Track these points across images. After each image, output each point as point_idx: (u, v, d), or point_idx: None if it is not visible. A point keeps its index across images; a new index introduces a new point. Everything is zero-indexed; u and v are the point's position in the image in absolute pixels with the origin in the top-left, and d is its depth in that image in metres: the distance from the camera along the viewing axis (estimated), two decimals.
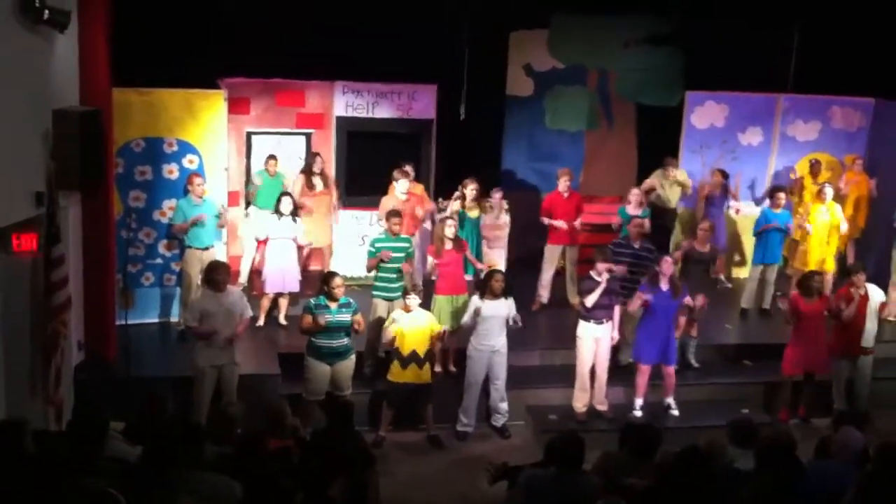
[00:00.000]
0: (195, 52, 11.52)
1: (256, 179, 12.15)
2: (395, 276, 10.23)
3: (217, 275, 9.01)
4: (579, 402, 9.99)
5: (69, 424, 6.25)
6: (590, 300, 9.65)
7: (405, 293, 9.57)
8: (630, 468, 6.38)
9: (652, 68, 14.49)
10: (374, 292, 10.29)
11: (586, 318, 9.80)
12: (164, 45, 11.25)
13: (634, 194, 11.98)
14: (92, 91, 9.21)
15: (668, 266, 9.79)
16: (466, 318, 9.70)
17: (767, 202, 12.36)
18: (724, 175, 12.95)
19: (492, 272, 9.97)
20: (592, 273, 9.80)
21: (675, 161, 13.00)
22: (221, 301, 8.96)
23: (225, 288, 9.04)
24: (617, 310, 9.94)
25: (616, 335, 9.95)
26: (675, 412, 10.12)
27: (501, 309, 9.64)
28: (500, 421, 10.02)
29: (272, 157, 12.12)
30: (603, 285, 9.64)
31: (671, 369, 10.08)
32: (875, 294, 10.27)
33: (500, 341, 9.75)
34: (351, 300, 9.37)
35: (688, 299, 9.91)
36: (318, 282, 9.80)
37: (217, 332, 8.86)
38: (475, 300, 9.67)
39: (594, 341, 9.82)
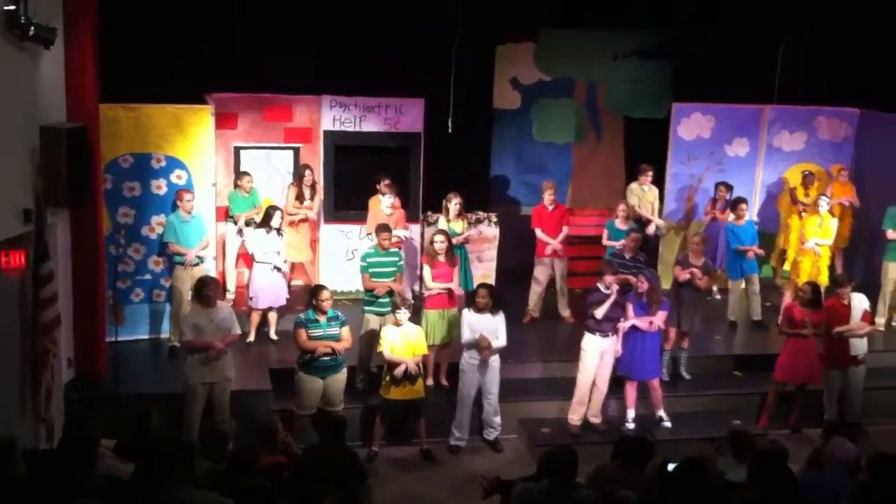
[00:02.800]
0: (182, 68, 11.52)
1: (231, 203, 11.92)
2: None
3: (208, 290, 8.98)
4: (575, 416, 9.97)
5: (60, 443, 6.22)
6: (600, 312, 9.62)
7: (395, 308, 9.56)
8: (623, 480, 6.38)
9: (640, 81, 14.57)
10: (366, 307, 10.26)
11: (593, 331, 9.77)
12: (151, 61, 11.26)
13: (622, 209, 12.04)
14: (79, 107, 9.17)
15: (642, 284, 9.85)
16: (465, 334, 9.62)
17: (731, 216, 12.39)
18: (728, 188, 12.97)
19: (478, 287, 9.98)
20: (600, 285, 9.78)
21: (648, 167, 12.98)
22: (212, 317, 8.94)
23: (215, 304, 9.02)
24: (620, 323, 9.91)
25: (619, 349, 9.90)
26: (668, 424, 10.11)
27: (490, 323, 9.60)
28: (493, 434, 9.99)
29: (245, 173, 11.91)
30: (613, 297, 9.64)
31: (656, 382, 10.09)
32: (858, 304, 10.26)
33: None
34: (339, 313, 9.37)
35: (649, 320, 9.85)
36: (304, 295, 9.79)
37: (212, 347, 8.84)
38: (465, 313, 9.67)
39: (600, 354, 9.79)
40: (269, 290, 11.01)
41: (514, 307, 11.28)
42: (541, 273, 12.14)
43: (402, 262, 10.57)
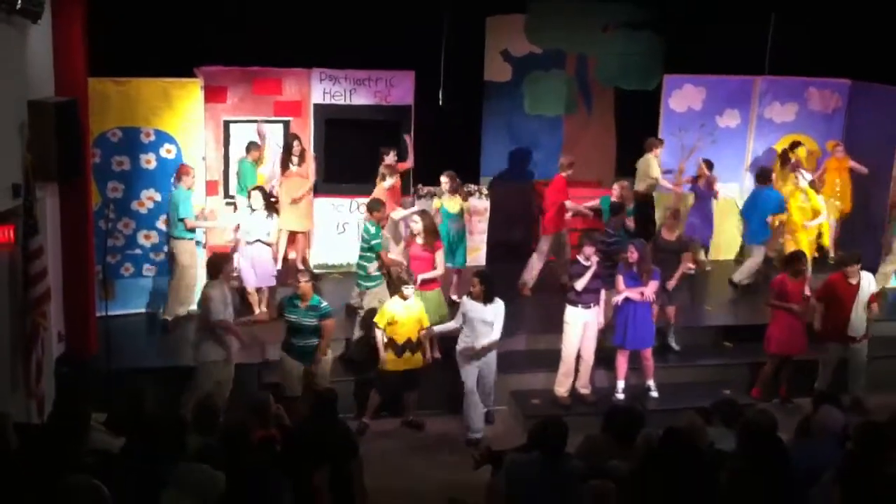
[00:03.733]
0: (171, 41, 11.42)
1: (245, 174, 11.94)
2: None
3: (227, 265, 9.20)
4: (562, 388, 10.00)
5: (50, 417, 6.22)
6: (580, 284, 9.65)
7: (403, 283, 9.54)
8: (613, 451, 6.42)
9: (631, 53, 14.50)
10: (364, 283, 10.27)
11: (574, 303, 9.79)
12: (140, 34, 11.17)
13: (616, 188, 11.93)
14: (67, 81, 9.12)
15: (632, 254, 9.83)
16: (458, 320, 9.58)
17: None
18: (709, 165, 12.95)
19: (472, 274, 9.90)
20: (580, 258, 9.81)
21: (657, 141, 13.02)
22: (226, 293, 9.08)
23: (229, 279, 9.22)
24: (603, 294, 9.94)
25: (602, 320, 9.97)
26: (655, 394, 10.16)
27: (485, 313, 9.44)
28: (485, 409, 9.94)
29: (253, 143, 11.98)
30: (593, 269, 9.65)
31: (647, 352, 10.12)
32: (867, 285, 10.17)
33: (483, 342, 9.54)
34: (324, 304, 9.31)
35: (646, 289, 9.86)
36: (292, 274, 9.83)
37: (240, 340, 9.13)
38: (465, 300, 9.58)
39: (583, 326, 9.82)
40: (256, 271, 10.95)
41: (506, 280, 11.24)
42: (549, 247, 12.10)
43: (387, 241, 10.66)
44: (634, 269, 9.85)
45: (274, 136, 12.50)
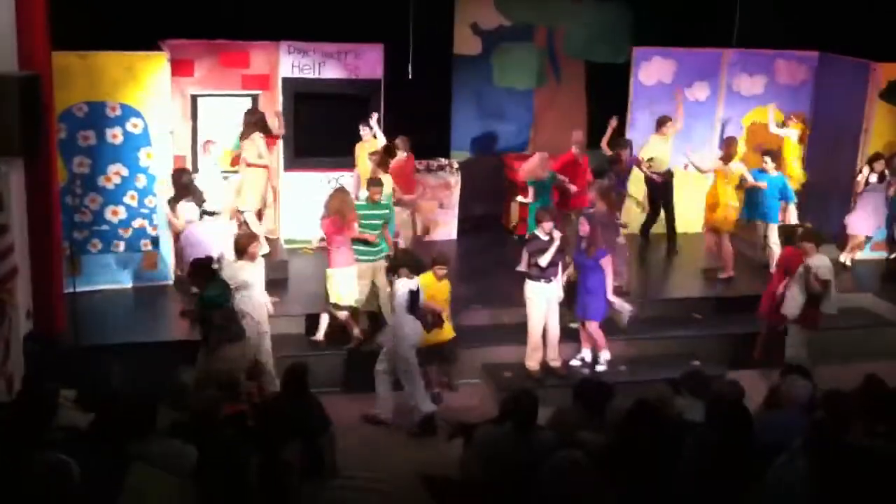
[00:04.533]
0: (136, 14, 11.30)
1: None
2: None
3: (253, 246, 9.08)
4: (532, 361, 10.01)
5: (19, 394, 6.19)
6: (544, 260, 9.61)
7: (432, 264, 9.53)
8: (583, 423, 6.47)
9: (599, 24, 14.50)
10: (358, 256, 10.18)
11: (536, 279, 9.77)
12: (104, 7, 11.05)
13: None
14: (30, 55, 8.95)
15: (582, 226, 9.78)
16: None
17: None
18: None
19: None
20: (538, 232, 9.79)
21: (669, 119, 12.96)
22: (255, 269, 9.07)
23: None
24: (560, 267, 9.95)
25: (561, 293, 9.94)
26: (602, 367, 10.03)
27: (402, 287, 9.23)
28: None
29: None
30: (556, 244, 9.63)
31: (592, 325, 10.00)
32: (813, 262, 9.67)
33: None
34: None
35: None
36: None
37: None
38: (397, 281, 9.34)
39: (545, 301, 9.83)
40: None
41: (479, 255, 11.25)
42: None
43: (391, 214, 10.73)
44: (582, 244, 9.82)
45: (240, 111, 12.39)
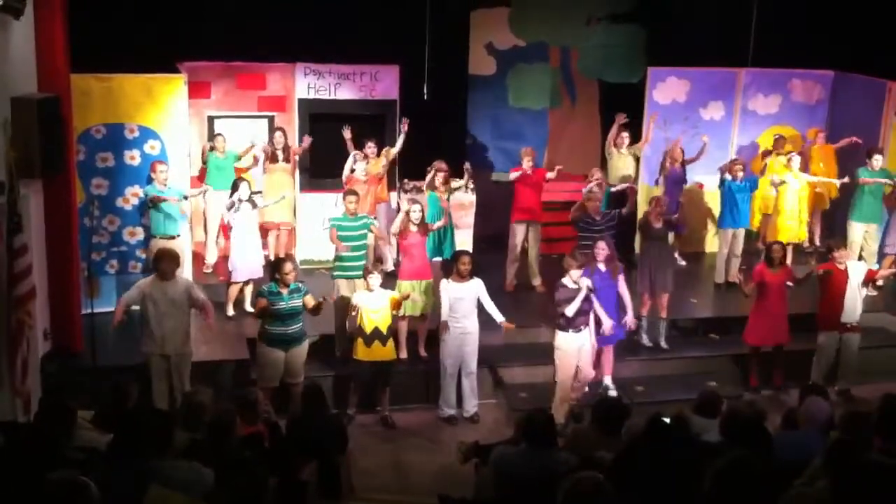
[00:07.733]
0: (154, 36, 11.40)
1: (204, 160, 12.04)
2: (355, 255, 10.21)
3: (162, 263, 8.87)
4: (558, 414, 9.17)
5: (37, 415, 6.20)
6: (570, 310, 9.08)
7: (366, 272, 9.53)
8: (600, 443, 6.44)
9: (614, 45, 14.55)
10: (336, 273, 10.25)
11: (565, 328, 9.22)
12: (123, 30, 11.14)
13: (595, 176, 11.89)
14: (50, 78, 9.08)
15: (600, 251, 9.64)
16: (445, 306, 9.52)
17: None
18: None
19: (458, 253, 9.95)
20: (565, 280, 9.24)
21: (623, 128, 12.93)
22: (166, 290, 8.84)
23: (172, 277, 8.92)
24: (592, 314, 9.40)
25: (594, 341, 9.50)
26: (613, 392, 9.87)
27: (470, 290, 9.54)
28: (470, 413, 9.89)
29: (219, 134, 12.00)
30: (583, 293, 9.09)
31: (608, 349, 9.89)
32: (855, 271, 10.13)
33: (470, 323, 9.61)
34: (301, 284, 9.26)
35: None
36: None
37: (121, 320, 8.90)
38: (443, 283, 9.63)
39: (577, 351, 9.29)
40: (245, 263, 10.93)
41: (493, 274, 11.25)
42: (517, 238, 12.03)
43: (375, 222, 10.71)
44: (600, 266, 9.63)
45: (258, 132, 12.48)
